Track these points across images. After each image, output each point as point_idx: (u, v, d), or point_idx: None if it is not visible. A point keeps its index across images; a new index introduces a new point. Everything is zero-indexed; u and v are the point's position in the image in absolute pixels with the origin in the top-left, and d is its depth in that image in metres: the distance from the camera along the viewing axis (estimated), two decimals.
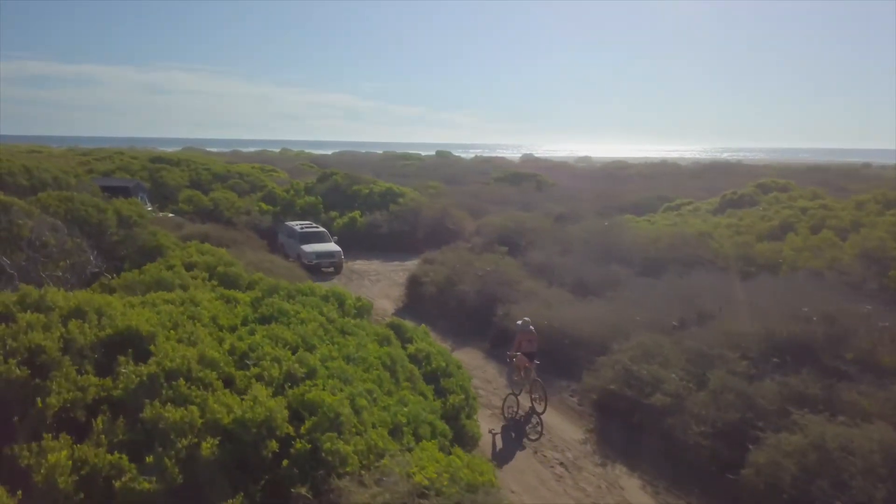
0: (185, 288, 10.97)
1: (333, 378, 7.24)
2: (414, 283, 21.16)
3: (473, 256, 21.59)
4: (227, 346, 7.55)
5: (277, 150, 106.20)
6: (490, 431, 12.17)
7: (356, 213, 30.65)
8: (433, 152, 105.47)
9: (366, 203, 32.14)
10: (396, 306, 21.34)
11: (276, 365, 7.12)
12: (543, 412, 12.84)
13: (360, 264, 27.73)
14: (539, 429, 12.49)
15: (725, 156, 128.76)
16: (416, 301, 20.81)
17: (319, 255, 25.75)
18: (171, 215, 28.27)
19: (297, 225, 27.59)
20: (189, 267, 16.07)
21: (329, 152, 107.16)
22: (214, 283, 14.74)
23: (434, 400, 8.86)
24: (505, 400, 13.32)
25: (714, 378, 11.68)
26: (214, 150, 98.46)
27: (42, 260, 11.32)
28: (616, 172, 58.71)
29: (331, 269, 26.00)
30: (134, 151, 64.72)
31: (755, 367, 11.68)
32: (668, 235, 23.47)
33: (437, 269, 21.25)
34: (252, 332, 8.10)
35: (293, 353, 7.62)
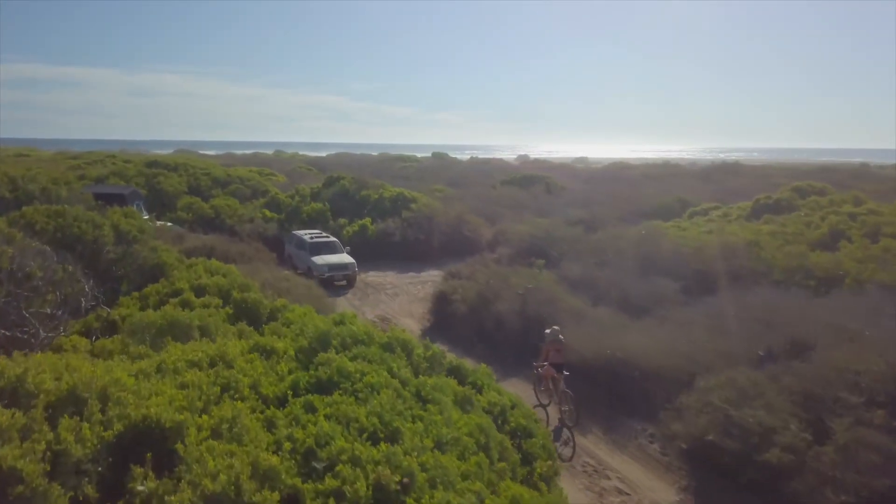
0: (206, 332, 8.71)
1: (436, 486, 5.05)
2: (441, 301, 18.95)
3: (507, 270, 19.40)
4: (283, 438, 5.32)
5: (271, 151, 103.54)
6: None
7: (367, 221, 28.40)
8: (427, 153, 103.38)
9: (376, 209, 29.88)
10: (422, 326, 19.14)
11: (358, 471, 4.91)
12: (575, 425, 12.04)
13: (373, 276, 25.48)
14: (571, 444, 11.62)
15: (721, 156, 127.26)
16: (445, 321, 18.60)
17: (332, 267, 23.50)
18: (169, 224, 25.97)
19: (306, 234, 25.31)
20: (199, 291, 13.83)
21: (323, 154, 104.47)
22: (229, 309, 12.53)
23: (543, 492, 6.64)
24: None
25: (840, 429, 9.58)
26: (209, 152, 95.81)
27: (26, 295, 9.04)
28: (620, 174, 56.68)
29: (343, 283, 23.77)
30: (126, 155, 62.06)
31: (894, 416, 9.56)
32: (711, 245, 21.39)
33: (466, 285, 19.06)
34: (310, 409, 5.87)
35: (373, 444, 5.40)
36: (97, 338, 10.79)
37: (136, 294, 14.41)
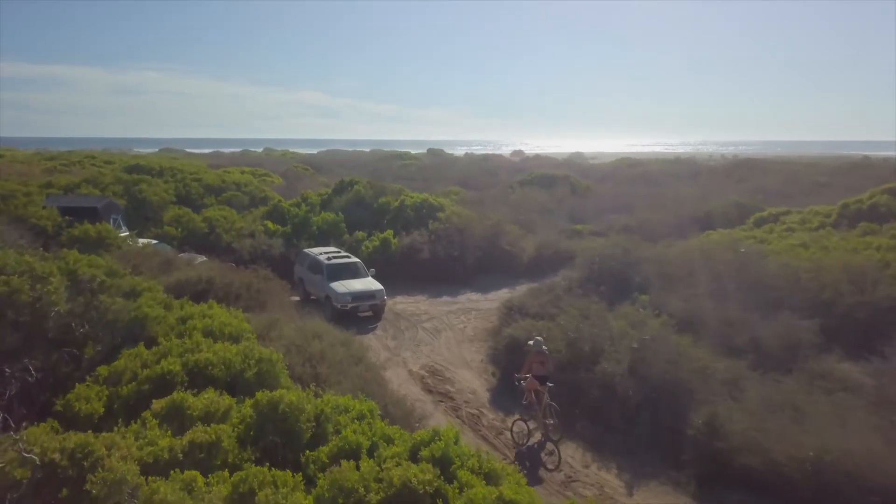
0: None
1: None
2: (514, 351, 14.03)
3: (598, 307, 14.55)
4: None
5: (260, 149, 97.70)
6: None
7: (388, 234, 23.38)
8: (417, 149, 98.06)
9: (397, 220, 24.88)
10: (487, 384, 14.22)
11: None
12: (559, 440, 11.32)
13: (402, 303, 20.53)
14: (556, 458, 10.92)
15: (720, 150, 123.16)
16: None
17: (356, 296, 18.50)
18: (154, 242, 20.82)
19: (321, 254, 20.26)
20: (198, 376, 8.88)
21: (314, 151, 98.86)
22: (247, 412, 7.64)
23: None
24: (512, 426, 11.88)
25: None
26: (196, 150, 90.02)
27: None
28: (634, 172, 51.85)
29: (369, 314, 18.79)
30: (108, 154, 56.20)
31: None
32: (832, 267, 16.70)
33: (543, 328, 14.18)
34: None
35: None
36: None
37: (103, 372, 9.48)
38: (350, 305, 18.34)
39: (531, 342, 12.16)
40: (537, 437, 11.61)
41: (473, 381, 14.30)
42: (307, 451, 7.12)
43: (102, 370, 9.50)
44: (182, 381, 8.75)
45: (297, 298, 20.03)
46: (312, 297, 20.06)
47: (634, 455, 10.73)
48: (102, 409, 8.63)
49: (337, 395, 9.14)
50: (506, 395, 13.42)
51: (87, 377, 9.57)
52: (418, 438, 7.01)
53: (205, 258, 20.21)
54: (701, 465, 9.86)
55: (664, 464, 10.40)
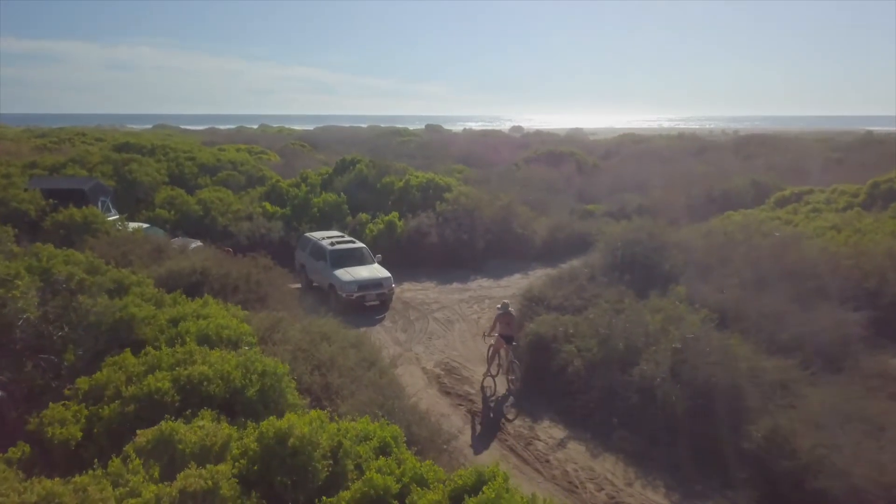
0: None
1: None
2: (538, 349, 12.71)
3: (630, 300, 13.27)
4: None
5: (255, 126, 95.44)
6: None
7: (394, 216, 21.99)
8: (413, 125, 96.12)
9: (401, 200, 23.47)
10: (510, 383, 12.94)
11: None
12: (518, 391, 12.31)
13: (410, 290, 19.24)
14: (515, 410, 11.74)
15: (721, 125, 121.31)
16: (545, 379, 12.33)
17: (363, 284, 17.21)
18: (145, 226, 19.40)
19: (324, 239, 18.89)
20: (191, 395, 7.58)
21: (311, 127, 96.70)
22: (250, 444, 6.39)
23: None
24: (483, 380, 12.84)
25: None
26: (189, 127, 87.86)
27: None
28: (639, 148, 50.25)
29: (376, 303, 17.48)
30: (99, 131, 54.33)
31: None
32: (874, 252, 15.46)
33: (570, 322, 12.89)
34: None
35: None
36: None
37: (83, 385, 8.18)
38: (356, 295, 17.05)
39: (499, 306, 13.20)
40: (502, 391, 12.55)
41: (492, 380, 13.05)
42: (324, 497, 5.86)
43: (82, 383, 8.20)
44: (173, 401, 7.47)
45: (299, 286, 18.75)
46: (315, 285, 18.77)
47: (682, 471, 9.51)
48: (80, 434, 7.36)
49: (353, 414, 7.89)
50: (530, 397, 12.19)
51: (67, 389, 8.33)
52: (459, 482, 5.74)
53: (199, 243, 18.87)
54: (764, 486, 8.67)
55: (718, 482, 9.19)
